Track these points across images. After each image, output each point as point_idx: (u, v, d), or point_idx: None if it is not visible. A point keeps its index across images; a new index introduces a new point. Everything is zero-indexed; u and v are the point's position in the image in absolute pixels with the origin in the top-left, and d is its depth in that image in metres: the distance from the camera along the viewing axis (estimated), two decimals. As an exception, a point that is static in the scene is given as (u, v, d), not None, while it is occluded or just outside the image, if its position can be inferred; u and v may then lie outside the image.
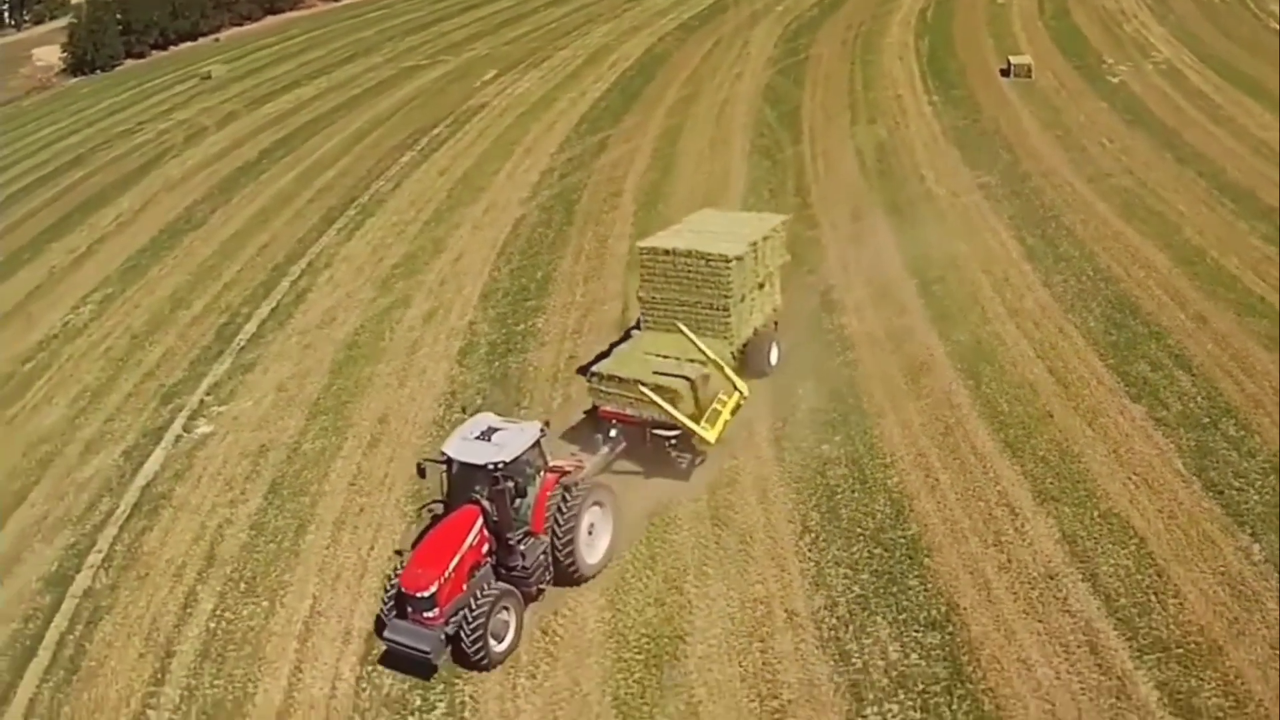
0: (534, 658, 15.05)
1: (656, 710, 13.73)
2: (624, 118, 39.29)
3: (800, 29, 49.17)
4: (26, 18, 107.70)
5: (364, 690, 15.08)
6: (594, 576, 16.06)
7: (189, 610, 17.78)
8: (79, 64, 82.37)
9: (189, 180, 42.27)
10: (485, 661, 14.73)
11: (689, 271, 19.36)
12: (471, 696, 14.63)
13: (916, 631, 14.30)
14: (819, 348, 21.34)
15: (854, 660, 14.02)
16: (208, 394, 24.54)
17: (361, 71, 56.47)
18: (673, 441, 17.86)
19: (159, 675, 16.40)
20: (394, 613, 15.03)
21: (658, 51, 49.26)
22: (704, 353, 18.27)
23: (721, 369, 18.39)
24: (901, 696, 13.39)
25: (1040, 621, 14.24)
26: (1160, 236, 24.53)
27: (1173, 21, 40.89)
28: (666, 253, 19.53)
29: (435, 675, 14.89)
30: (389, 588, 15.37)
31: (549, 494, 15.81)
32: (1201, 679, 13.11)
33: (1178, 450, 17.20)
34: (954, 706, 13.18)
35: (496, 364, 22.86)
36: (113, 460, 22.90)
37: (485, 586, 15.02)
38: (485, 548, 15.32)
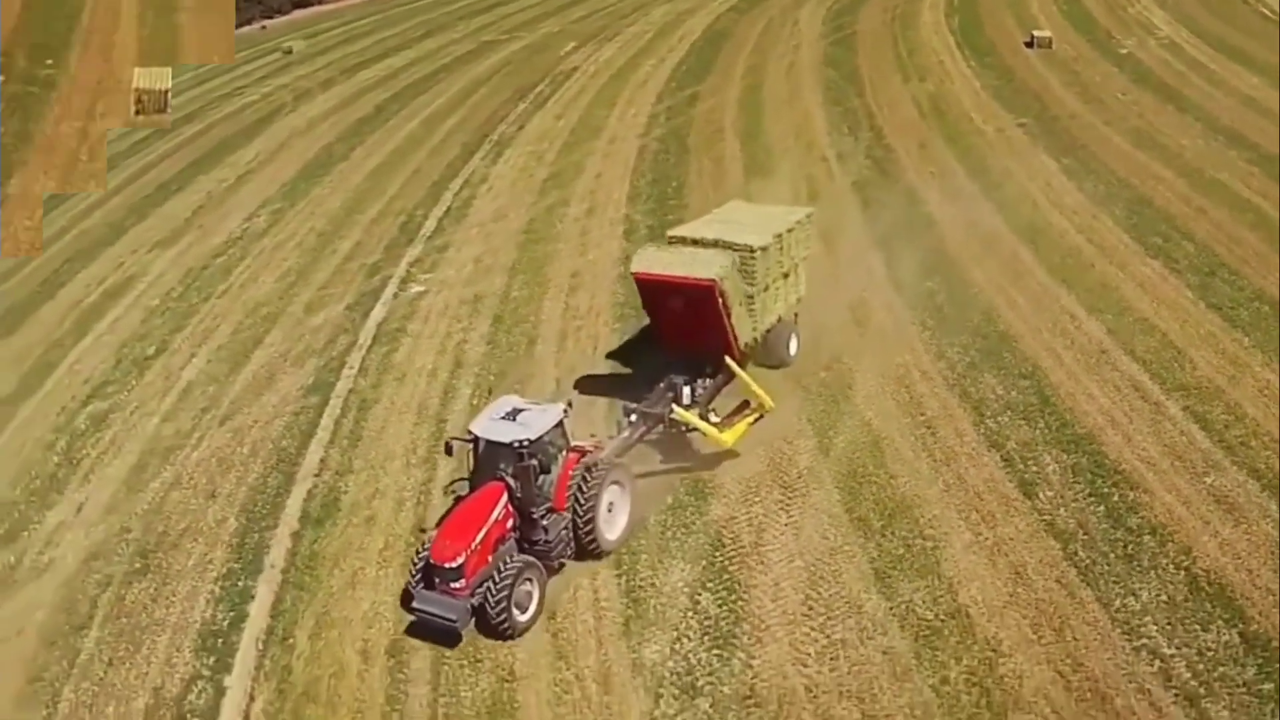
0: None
1: (839, 422, 19.81)
2: (705, 78, 45.37)
3: (841, 10, 55.57)
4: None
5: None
6: (612, 552, 17.00)
7: (449, 395, 22.81)
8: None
9: (315, 128, 47.15)
10: (509, 631, 15.32)
11: None
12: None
13: (1012, 380, 20.52)
14: (912, 228, 27.36)
15: (972, 395, 20.19)
16: (410, 266, 30.18)
17: (443, 45, 61.77)
18: (689, 429, 19.12)
19: (436, 435, 21.26)
20: (421, 584, 15.75)
21: (718, 28, 55.42)
22: (745, 381, 19.58)
23: (750, 386, 19.64)
24: (1009, 414, 19.51)
25: (1097, 375, 20.42)
26: (1166, 159, 30.80)
27: (1172, 5, 47.58)
28: (695, 242, 20.48)
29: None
30: (417, 561, 16.07)
31: (571, 472, 16.56)
32: (1211, 406, 19.19)
33: (1187, 287, 23.35)
34: (1045, 419, 19.27)
35: (659, 239, 28.82)
36: (339, 312, 27.74)
37: (509, 559, 15.59)
38: (510, 522, 16.04)
